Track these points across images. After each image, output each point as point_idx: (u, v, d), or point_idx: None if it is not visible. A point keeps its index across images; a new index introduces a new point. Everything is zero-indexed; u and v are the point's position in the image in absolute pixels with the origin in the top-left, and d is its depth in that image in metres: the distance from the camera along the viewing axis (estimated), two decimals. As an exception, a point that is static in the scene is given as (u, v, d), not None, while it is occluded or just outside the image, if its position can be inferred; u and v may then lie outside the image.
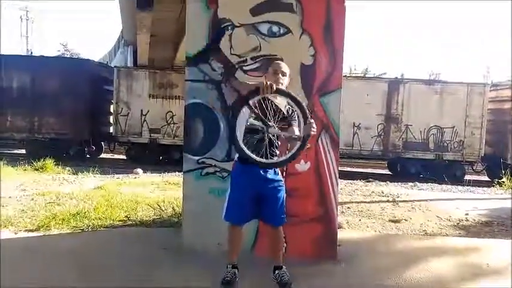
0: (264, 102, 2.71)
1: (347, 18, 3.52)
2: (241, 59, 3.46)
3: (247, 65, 3.42)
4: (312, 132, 2.73)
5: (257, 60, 3.40)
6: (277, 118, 2.72)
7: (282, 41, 3.47)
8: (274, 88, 2.64)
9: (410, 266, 3.47)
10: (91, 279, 3.08)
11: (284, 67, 2.91)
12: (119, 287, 2.99)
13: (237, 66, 3.46)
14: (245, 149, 2.72)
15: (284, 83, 2.87)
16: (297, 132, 2.76)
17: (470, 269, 3.48)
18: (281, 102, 2.81)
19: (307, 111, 2.74)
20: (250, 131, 2.77)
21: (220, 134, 3.47)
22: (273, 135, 2.76)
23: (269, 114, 2.70)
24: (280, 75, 2.85)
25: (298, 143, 2.73)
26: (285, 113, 2.81)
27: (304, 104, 2.76)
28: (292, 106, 2.78)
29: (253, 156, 2.72)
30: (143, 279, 3.09)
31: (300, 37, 3.48)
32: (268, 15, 3.44)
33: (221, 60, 3.47)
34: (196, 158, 3.55)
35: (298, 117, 2.76)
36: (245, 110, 2.72)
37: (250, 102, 2.68)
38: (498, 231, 5.17)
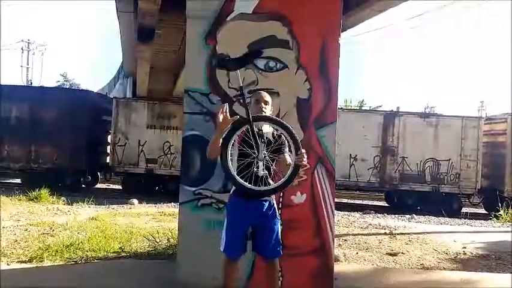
0: (250, 134, 2.75)
1: (342, 52, 3.65)
2: (239, 92, 3.53)
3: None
4: (304, 163, 2.76)
5: (253, 92, 3.45)
6: (266, 146, 2.77)
7: (278, 75, 3.58)
8: (228, 119, 2.71)
9: (408, 301, 3.43)
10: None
11: (266, 96, 2.99)
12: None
13: (234, 100, 3.54)
14: (236, 176, 2.74)
15: (267, 111, 2.94)
16: (288, 160, 2.80)
17: (468, 304, 3.45)
18: (268, 131, 2.87)
19: (298, 140, 2.76)
20: (243, 163, 2.79)
21: (217, 165, 3.47)
22: (264, 165, 2.76)
23: (255, 144, 2.74)
24: (262, 104, 2.93)
25: (288, 173, 2.76)
26: (272, 140, 2.84)
27: (294, 132, 2.79)
28: (281, 132, 2.82)
29: (244, 183, 2.72)
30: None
31: (296, 72, 3.59)
32: (265, 51, 3.56)
33: (219, 94, 3.56)
34: (193, 189, 3.57)
35: (288, 144, 2.79)
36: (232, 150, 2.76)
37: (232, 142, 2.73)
38: (496, 265, 5.13)
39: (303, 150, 2.75)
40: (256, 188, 2.74)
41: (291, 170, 2.76)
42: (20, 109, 13.46)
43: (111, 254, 4.58)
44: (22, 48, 32.10)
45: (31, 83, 29.82)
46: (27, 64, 32.01)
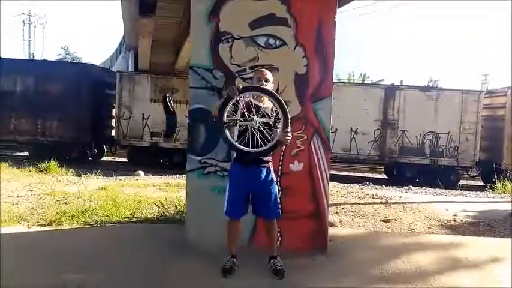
0: (249, 106, 3.05)
1: (338, 29, 3.84)
2: (241, 68, 3.78)
3: (246, 74, 3.74)
4: (286, 141, 3.07)
5: (255, 69, 3.67)
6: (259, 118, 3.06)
7: (278, 52, 3.80)
8: (239, 87, 3.03)
9: (395, 260, 3.75)
10: (104, 269, 3.40)
11: (268, 74, 3.25)
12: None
13: (236, 75, 3.78)
14: (229, 137, 3.06)
15: (268, 89, 3.18)
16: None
17: (450, 262, 3.77)
18: (268, 106, 3.15)
19: (288, 118, 3.05)
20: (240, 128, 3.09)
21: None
22: (257, 129, 3.05)
23: (253, 113, 3.04)
24: (263, 81, 3.20)
25: (269, 145, 3.07)
26: (270, 115, 3.12)
27: (287, 109, 3.06)
28: (277, 108, 3.09)
29: (235, 143, 3.04)
30: (153, 270, 3.40)
31: (295, 49, 3.80)
32: (265, 29, 3.77)
33: (222, 69, 3.79)
34: (199, 158, 3.86)
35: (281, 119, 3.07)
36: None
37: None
38: (484, 230, 5.42)
39: (289, 129, 3.03)
40: (237, 145, 3.05)
41: (272, 143, 3.07)
42: (25, 83, 13.66)
43: (124, 219, 4.92)
44: (23, 21, 31.93)
45: (33, 56, 29.84)
46: (29, 37, 31.93)
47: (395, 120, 13.17)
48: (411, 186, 10.50)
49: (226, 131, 3.06)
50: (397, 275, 3.46)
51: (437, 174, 12.64)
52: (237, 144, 3.07)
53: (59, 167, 9.77)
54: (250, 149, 3.07)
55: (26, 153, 14.73)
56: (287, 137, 3.05)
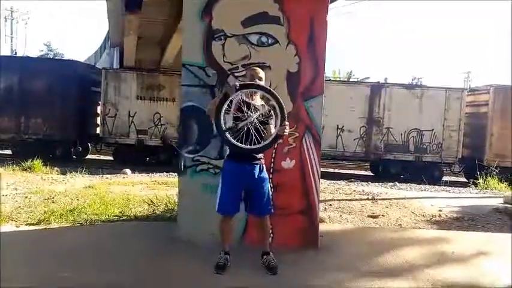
0: (242, 104, 3.07)
1: (329, 27, 3.90)
2: (233, 66, 3.80)
3: (238, 72, 3.76)
4: (285, 133, 3.12)
5: (248, 67, 3.67)
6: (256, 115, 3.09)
7: (270, 50, 3.83)
8: (237, 85, 3.04)
9: (384, 254, 3.85)
10: (101, 267, 3.40)
11: (260, 72, 3.28)
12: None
13: (229, 73, 3.80)
14: (231, 138, 3.07)
15: (265, 86, 3.20)
16: (273, 131, 3.14)
17: (437, 256, 3.88)
18: (259, 104, 3.18)
19: (285, 113, 3.09)
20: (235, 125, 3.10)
21: (213, 134, 3.75)
22: (253, 126, 3.08)
23: (247, 112, 3.06)
24: (257, 79, 3.23)
25: (270, 139, 3.12)
26: (263, 113, 3.15)
27: (283, 104, 3.10)
28: (271, 106, 3.12)
29: (232, 140, 3.06)
30: (146, 267, 3.41)
31: (287, 47, 3.84)
32: (257, 27, 3.80)
33: (215, 67, 3.80)
34: (191, 156, 3.86)
35: (275, 115, 3.11)
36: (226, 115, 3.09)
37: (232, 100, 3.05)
38: (468, 225, 5.57)
39: (287, 123, 3.08)
40: (239, 144, 3.07)
41: (272, 137, 3.11)
42: (8, 80, 13.36)
43: (113, 217, 4.88)
44: (5, 17, 31.21)
45: (16, 53, 29.20)
46: (11, 33, 31.24)
47: (381, 118, 13.33)
48: (396, 183, 10.67)
49: (227, 134, 3.06)
50: (386, 269, 3.54)
51: (421, 170, 12.85)
52: (239, 144, 3.07)
53: (44, 166, 9.62)
54: (253, 146, 3.09)
55: (9, 152, 14.44)
56: (285, 130, 3.09)
